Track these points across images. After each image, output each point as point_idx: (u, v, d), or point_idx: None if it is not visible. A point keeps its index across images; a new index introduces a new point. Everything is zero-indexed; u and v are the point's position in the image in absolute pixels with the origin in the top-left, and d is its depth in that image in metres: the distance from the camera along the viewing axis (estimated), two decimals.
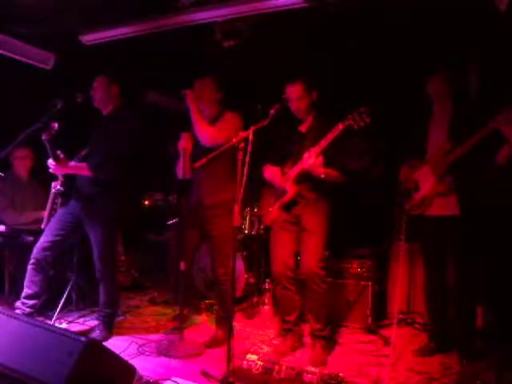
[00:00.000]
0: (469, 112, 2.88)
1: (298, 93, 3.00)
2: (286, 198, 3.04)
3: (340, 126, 2.77)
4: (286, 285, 3.10)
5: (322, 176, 2.89)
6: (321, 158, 2.85)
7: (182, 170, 3.28)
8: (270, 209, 3.14)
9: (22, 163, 4.14)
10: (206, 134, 3.14)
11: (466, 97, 3.12)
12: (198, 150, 3.18)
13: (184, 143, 3.25)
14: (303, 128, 3.13)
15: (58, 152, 3.06)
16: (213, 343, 3.22)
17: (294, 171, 2.99)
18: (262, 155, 3.23)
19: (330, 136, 2.80)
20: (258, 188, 4.26)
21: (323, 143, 2.82)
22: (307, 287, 3.05)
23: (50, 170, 3.13)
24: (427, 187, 2.99)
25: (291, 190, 3.01)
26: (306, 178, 2.98)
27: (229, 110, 3.31)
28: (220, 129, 3.17)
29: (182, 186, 3.40)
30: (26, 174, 4.18)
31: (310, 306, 3.10)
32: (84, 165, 3.13)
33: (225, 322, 3.37)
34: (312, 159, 2.85)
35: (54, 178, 3.44)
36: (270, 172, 3.17)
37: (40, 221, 3.74)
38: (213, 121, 3.26)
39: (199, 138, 3.17)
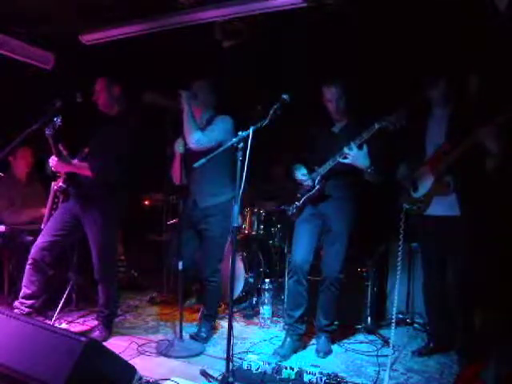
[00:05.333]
0: (467, 112, 2.87)
1: (336, 94, 3.05)
2: (313, 194, 3.10)
3: (376, 126, 2.82)
4: (301, 279, 3.12)
5: (369, 170, 2.91)
6: (365, 149, 2.87)
7: (176, 175, 3.32)
8: (297, 203, 3.20)
9: (21, 163, 4.12)
10: (193, 138, 3.10)
11: (465, 97, 3.12)
12: (199, 155, 3.17)
13: (179, 149, 3.25)
14: (336, 128, 3.18)
15: (61, 148, 3.06)
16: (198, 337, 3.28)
17: (324, 169, 3.05)
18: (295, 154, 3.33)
19: (365, 135, 2.85)
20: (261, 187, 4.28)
21: (357, 142, 2.87)
22: (323, 286, 3.19)
23: (52, 168, 3.11)
24: (426, 187, 2.98)
25: (318, 187, 3.08)
26: (334, 176, 3.05)
27: (220, 114, 3.28)
28: (208, 133, 3.14)
29: (181, 187, 3.39)
30: (25, 173, 4.17)
31: (322, 303, 3.22)
32: (86, 164, 3.11)
33: (208, 320, 3.40)
34: (354, 150, 2.87)
35: (53, 177, 3.44)
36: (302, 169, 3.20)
37: (40, 218, 3.74)
38: (205, 123, 3.23)
39: (186, 141, 3.15)
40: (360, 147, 2.88)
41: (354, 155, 2.88)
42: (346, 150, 2.90)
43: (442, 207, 2.93)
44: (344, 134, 3.09)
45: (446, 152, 2.85)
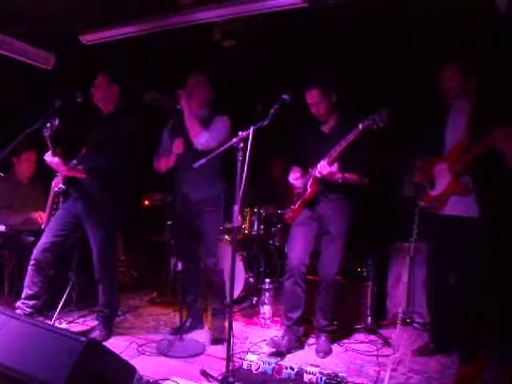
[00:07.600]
0: (487, 109, 2.78)
1: (316, 98, 3.05)
2: (307, 196, 3.11)
3: (360, 127, 2.80)
4: (298, 280, 3.12)
5: (340, 181, 2.96)
6: (335, 166, 2.90)
7: (167, 167, 3.32)
8: (292, 206, 3.20)
9: (26, 166, 4.11)
10: (202, 139, 3.12)
11: (485, 93, 3.01)
12: (192, 150, 3.17)
13: (179, 149, 3.25)
14: (326, 129, 3.17)
15: (58, 151, 3.05)
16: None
17: (316, 171, 3.04)
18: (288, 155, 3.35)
19: (350, 137, 2.84)
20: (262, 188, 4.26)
21: (343, 144, 2.87)
22: (321, 288, 3.18)
23: (48, 163, 3.07)
24: (443, 185, 2.91)
25: (312, 189, 3.08)
26: (327, 179, 3.05)
27: (219, 114, 3.30)
28: (213, 132, 3.16)
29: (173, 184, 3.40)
30: (27, 176, 4.16)
31: (320, 304, 3.20)
32: (80, 168, 3.10)
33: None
34: (327, 169, 2.89)
35: (53, 178, 3.44)
36: (295, 174, 3.21)
37: (31, 221, 3.74)
38: (203, 122, 3.23)
39: (194, 141, 3.15)
40: (331, 163, 2.91)
41: (323, 173, 2.91)
42: (318, 167, 2.93)
43: (459, 207, 2.87)
44: (334, 134, 3.08)
45: (466, 149, 2.76)
